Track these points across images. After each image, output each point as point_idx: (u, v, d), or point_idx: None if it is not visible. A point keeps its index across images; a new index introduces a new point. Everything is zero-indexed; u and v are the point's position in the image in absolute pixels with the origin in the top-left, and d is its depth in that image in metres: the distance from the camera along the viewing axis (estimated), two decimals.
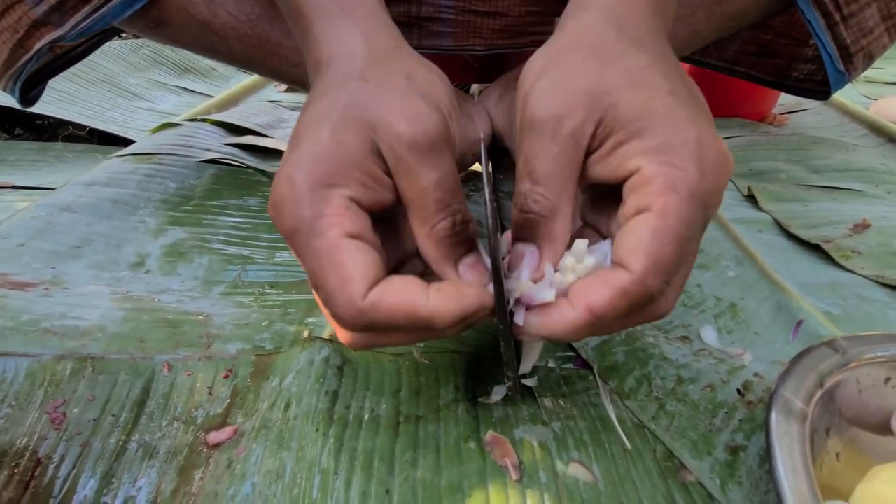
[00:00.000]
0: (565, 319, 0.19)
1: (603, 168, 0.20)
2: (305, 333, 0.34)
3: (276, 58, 0.41)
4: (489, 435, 0.26)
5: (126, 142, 0.59)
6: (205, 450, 0.27)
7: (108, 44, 0.83)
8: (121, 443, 0.27)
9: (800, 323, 0.36)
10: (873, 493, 0.23)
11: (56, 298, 0.35)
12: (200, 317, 0.35)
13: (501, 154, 0.42)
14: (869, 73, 0.88)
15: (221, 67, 0.88)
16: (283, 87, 0.83)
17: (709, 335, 0.35)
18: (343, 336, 0.22)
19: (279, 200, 0.20)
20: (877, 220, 0.46)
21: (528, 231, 0.21)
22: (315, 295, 0.21)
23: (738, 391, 0.29)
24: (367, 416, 0.27)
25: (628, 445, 0.26)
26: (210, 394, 0.30)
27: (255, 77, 0.83)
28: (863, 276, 0.41)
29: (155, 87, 0.77)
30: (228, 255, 0.42)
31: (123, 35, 1.09)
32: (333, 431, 0.26)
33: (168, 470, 0.26)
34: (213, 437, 0.27)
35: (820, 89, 0.51)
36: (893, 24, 0.40)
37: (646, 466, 0.26)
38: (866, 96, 0.77)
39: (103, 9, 0.33)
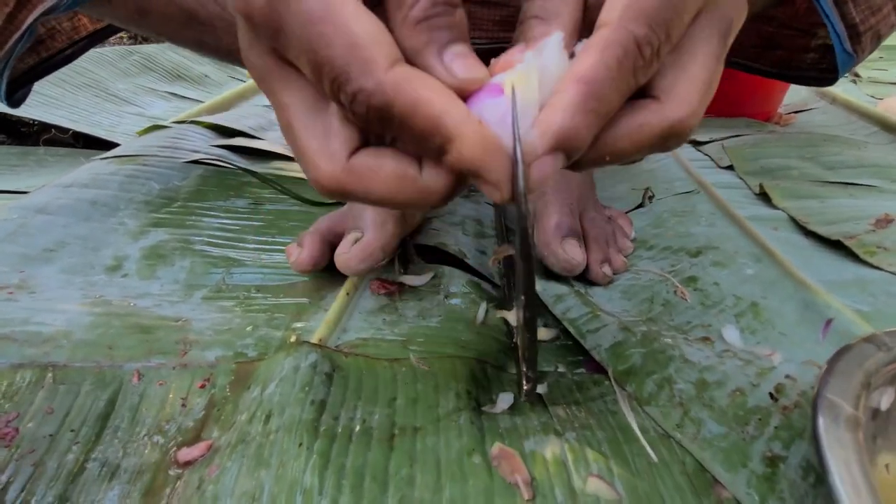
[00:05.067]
0: (561, 105, 0.16)
1: None
2: (292, 338, 0.31)
3: None
4: (496, 448, 0.23)
5: (112, 146, 0.57)
6: (174, 469, 0.23)
7: (96, 50, 0.81)
8: (79, 461, 0.24)
9: (829, 321, 0.33)
10: None
11: (21, 303, 0.32)
12: (178, 322, 0.32)
13: None
14: (873, 73, 0.86)
15: (215, 74, 0.87)
16: None
17: (731, 335, 0.32)
18: (320, 164, 0.17)
19: None
20: None
21: (521, 39, 0.18)
22: (291, 117, 0.17)
23: (771, 395, 0.26)
24: (357, 428, 0.24)
25: (654, 458, 0.23)
26: (184, 405, 0.27)
27: (249, 83, 0.82)
28: (890, 272, 0.38)
29: (144, 92, 0.75)
30: (213, 258, 0.40)
31: (114, 41, 1.08)
32: (319, 446, 0.23)
33: (131, 492, 0.23)
34: (184, 454, 0.24)
35: (824, 76, 0.50)
36: None
37: (675, 482, 0.23)
38: (872, 96, 0.76)
39: None
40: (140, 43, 1.10)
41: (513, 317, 0.23)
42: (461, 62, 0.17)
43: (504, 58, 0.18)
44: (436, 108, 0.15)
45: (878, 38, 0.40)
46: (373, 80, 0.15)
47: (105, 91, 0.71)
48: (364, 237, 0.33)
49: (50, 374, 0.27)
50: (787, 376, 0.27)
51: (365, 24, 0.15)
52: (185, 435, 0.25)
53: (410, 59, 0.17)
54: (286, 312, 0.34)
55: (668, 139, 0.17)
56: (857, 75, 0.81)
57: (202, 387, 0.28)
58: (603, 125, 0.17)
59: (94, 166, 0.50)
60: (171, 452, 0.24)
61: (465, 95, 0.17)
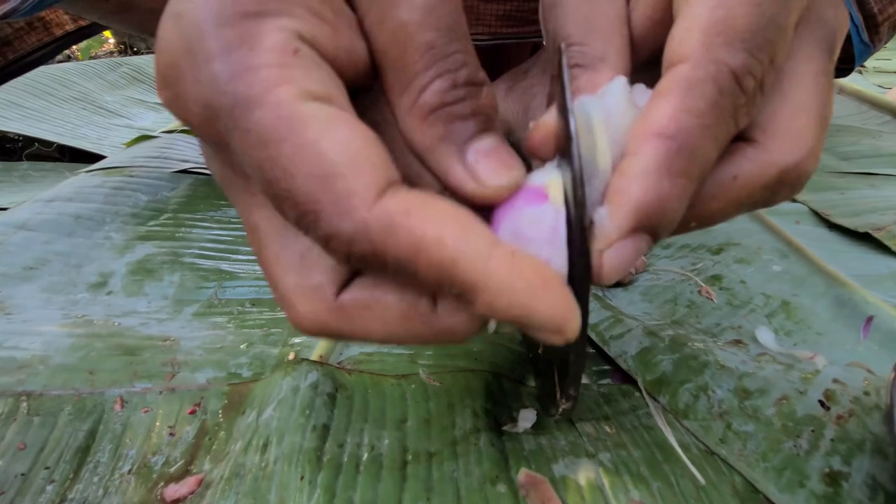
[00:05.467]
0: (638, 170, 0.12)
1: (644, 4, 0.14)
2: (290, 356, 0.29)
3: None
4: (523, 474, 0.20)
5: (99, 159, 0.55)
6: None
7: (83, 62, 0.80)
8: (55, 503, 0.21)
9: (870, 319, 0.31)
10: None
11: None
12: (167, 341, 0.30)
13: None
14: (878, 63, 0.85)
15: None
16: None
17: (765, 337, 0.30)
18: (300, 303, 0.13)
19: (168, 64, 0.12)
20: None
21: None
22: (261, 242, 0.13)
23: (821, 403, 0.24)
24: (365, 456, 0.21)
25: (701, 480, 0.21)
26: (171, 434, 0.24)
27: None
28: None
29: (133, 104, 0.73)
30: (204, 271, 0.37)
31: (103, 54, 1.06)
32: (323, 478, 0.20)
33: None
34: (172, 491, 0.21)
35: (840, 67, 0.48)
36: None
37: None
38: (880, 85, 0.74)
39: None
40: (129, 55, 1.08)
41: None
42: (490, 163, 0.12)
43: (544, 121, 0.14)
44: (447, 252, 0.11)
45: (894, 28, 0.39)
46: (352, 223, 0.11)
47: (92, 104, 0.69)
48: None
49: (24, 405, 0.25)
50: (835, 381, 0.25)
51: (341, 140, 0.11)
52: (174, 468, 0.22)
53: (420, 157, 0.13)
54: (283, 328, 0.32)
55: (776, 192, 0.13)
56: (862, 66, 0.80)
57: (192, 413, 0.25)
58: (696, 191, 0.13)
59: (79, 179, 0.47)
60: (157, 490, 0.22)
61: (494, 204, 0.13)
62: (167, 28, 0.12)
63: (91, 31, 0.48)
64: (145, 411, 0.25)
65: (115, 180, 0.46)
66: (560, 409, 0.17)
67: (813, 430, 0.22)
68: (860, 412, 0.23)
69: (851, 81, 0.71)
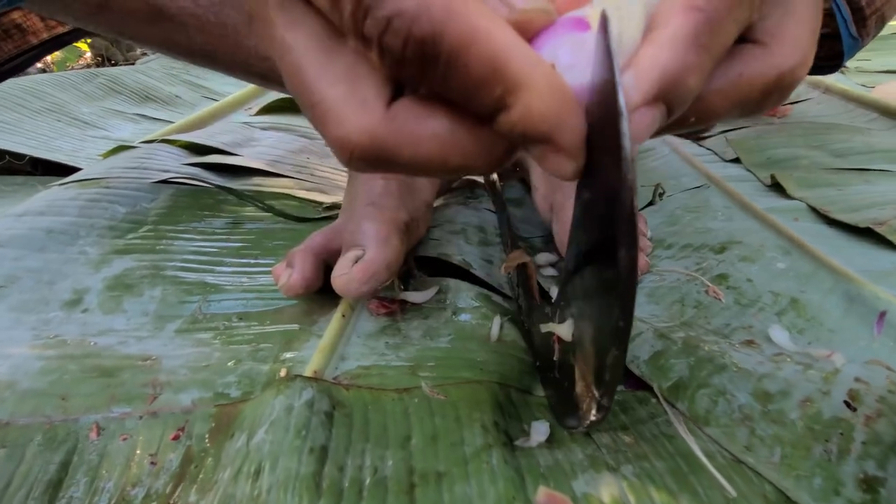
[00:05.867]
0: (669, 39, 0.12)
1: None
2: (282, 372, 0.27)
3: (242, 50, 0.35)
4: (542, 493, 0.19)
5: (74, 172, 0.52)
6: None
7: (58, 73, 0.77)
8: None
9: (883, 314, 0.30)
10: None
11: None
12: (147, 360, 0.28)
13: None
14: (859, 63, 0.86)
15: (186, 94, 0.83)
16: (255, 109, 0.77)
17: (779, 336, 0.29)
18: (350, 115, 0.13)
19: None
20: None
21: None
22: (304, 60, 0.13)
23: (847, 404, 0.22)
24: (368, 480, 0.20)
25: (732, 492, 0.19)
26: (153, 464, 0.22)
27: (221, 102, 0.78)
28: None
29: (111, 115, 0.70)
30: (187, 284, 0.35)
31: (79, 66, 1.04)
32: None
33: None
34: None
35: (827, 64, 0.48)
36: None
37: None
38: (863, 84, 0.75)
39: None
40: (105, 65, 1.05)
41: (567, 330, 0.18)
42: None
43: None
44: (498, 45, 0.11)
45: (882, 21, 0.39)
46: (427, 18, 0.11)
47: (67, 115, 0.67)
48: (365, 255, 0.28)
49: None
50: (857, 379, 0.24)
51: None
52: (156, 501, 0.20)
53: None
54: (274, 342, 0.30)
55: (770, 94, 0.14)
56: (845, 67, 0.81)
57: (175, 438, 0.23)
58: (713, 70, 0.13)
59: (51, 193, 0.45)
60: None
61: (528, 36, 0.13)
62: None
63: (69, 38, 0.46)
64: (124, 439, 0.23)
65: (91, 192, 0.44)
66: (588, 422, 0.15)
67: (842, 433, 0.21)
68: (888, 412, 0.22)
69: (836, 81, 0.72)
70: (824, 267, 0.35)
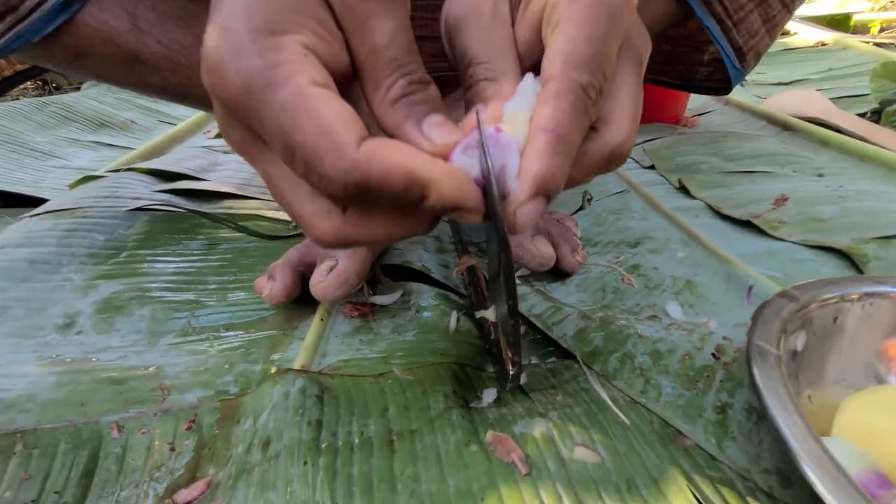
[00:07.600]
0: (535, 153, 0.18)
1: (525, 26, 0.20)
2: (273, 370, 0.32)
3: None
4: (490, 435, 0.25)
5: (40, 203, 0.54)
6: None
7: (8, 103, 0.77)
8: None
9: (751, 288, 0.38)
10: (851, 423, 0.24)
11: None
12: (150, 369, 0.32)
13: None
14: (756, 76, 1.00)
15: (141, 119, 0.84)
16: (213, 132, 0.80)
17: (674, 310, 0.37)
18: (319, 223, 0.18)
19: (217, 60, 0.16)
20: (791, 194, 0.51)
21: (477, 100, 0.20)
22: (279, 186, 0.18)
23: (713, 355, 0.30)
24: (357, 440, 0.25)
25: (627, 421, 0.26)
26: (172, 449, 0.26)
27: (179, 126, 0.80)
28: (791, 242, 0.45)
29: (67, 143, 0.71)
30: (173, 303, 0.39)
31: (16, 92, 1.02)
32: (324, 461, 0.23)
33: None
34: (183, 495, 0.24)
35: (721, 86, 0.58)
36: (771, 27, 0.47)
37: (646, 438, 0.25)
38: (758, 96, 0.87)
39: (18, 27, 0.30)
40: (53, 93, 1.04)
41: (491, 314, 0.25)
42: (439, 130, 0.19)
43: (467, 121, 0.20)
44: (408, 165, 0.17)
45: (757, 55, 0.48)
46: (347, 160, 0.16)
47: (23, 146, 0.67)
48: (339, 264, 0.34)
49: (20, 441, 0.26)
50: (724, 338, 0.32)
51: (334, 109, 0.16)
52: (180, 478, 0.25)
53: (391, 134, 0.19)
54: (261, 346, 0.34)
55: (610, 162, 0.20)
56: (745, 80, 0.94)
57: (188, 429, 0.27)
58: (572, 163, 0.19)
59: (25, 224, 0.47)
60: (168, 498, 0.24)
61: (445, 157, 0.19)
62: (214, 36, 0.17)
63: (31, 73, 0.48)
64: (143, 433, 0.27)
65: (67, 222, 0.46)
66: (510, 376, 0.21)
67: (707, 376, 0.29)
68: (741, 358, 0.29)
69: (735, 93, 0.84)
70: (713, 254, 0.43)
